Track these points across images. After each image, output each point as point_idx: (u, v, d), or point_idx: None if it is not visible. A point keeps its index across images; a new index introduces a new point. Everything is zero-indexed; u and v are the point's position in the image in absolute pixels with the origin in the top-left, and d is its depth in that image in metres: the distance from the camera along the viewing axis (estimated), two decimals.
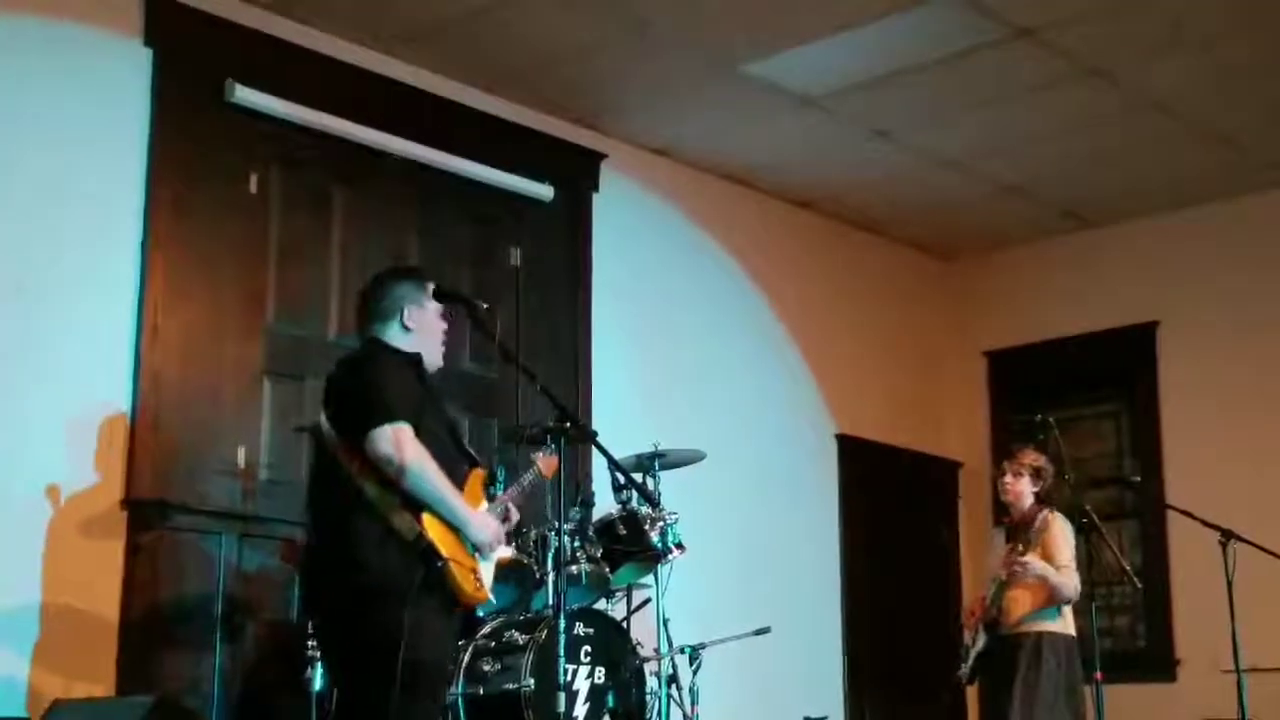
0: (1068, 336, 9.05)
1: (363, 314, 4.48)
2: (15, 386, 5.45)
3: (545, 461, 5.38)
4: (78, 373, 5.64)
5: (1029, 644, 5.86)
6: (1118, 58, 6.88)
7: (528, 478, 5.36)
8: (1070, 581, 5.86)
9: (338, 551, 4.15)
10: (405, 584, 3.99)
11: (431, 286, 4.46)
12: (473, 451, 4.52)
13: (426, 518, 4.07)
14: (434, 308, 4.43)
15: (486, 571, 4.30)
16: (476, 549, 4.24)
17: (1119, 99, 7.27)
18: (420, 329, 4.38)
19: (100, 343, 5.74)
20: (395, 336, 4.36)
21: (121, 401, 5.76)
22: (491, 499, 4.80)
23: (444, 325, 4.47)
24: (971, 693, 6.48)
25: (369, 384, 4.19)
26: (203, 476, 5.92)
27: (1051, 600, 5.90)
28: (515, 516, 4.77)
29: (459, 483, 4.26)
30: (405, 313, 4.37)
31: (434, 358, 4.43)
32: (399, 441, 4.05)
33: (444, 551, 4.05)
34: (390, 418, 4.07)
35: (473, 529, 4.21)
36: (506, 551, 4.66)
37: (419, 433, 4.10)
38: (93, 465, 5.65)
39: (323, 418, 4.28)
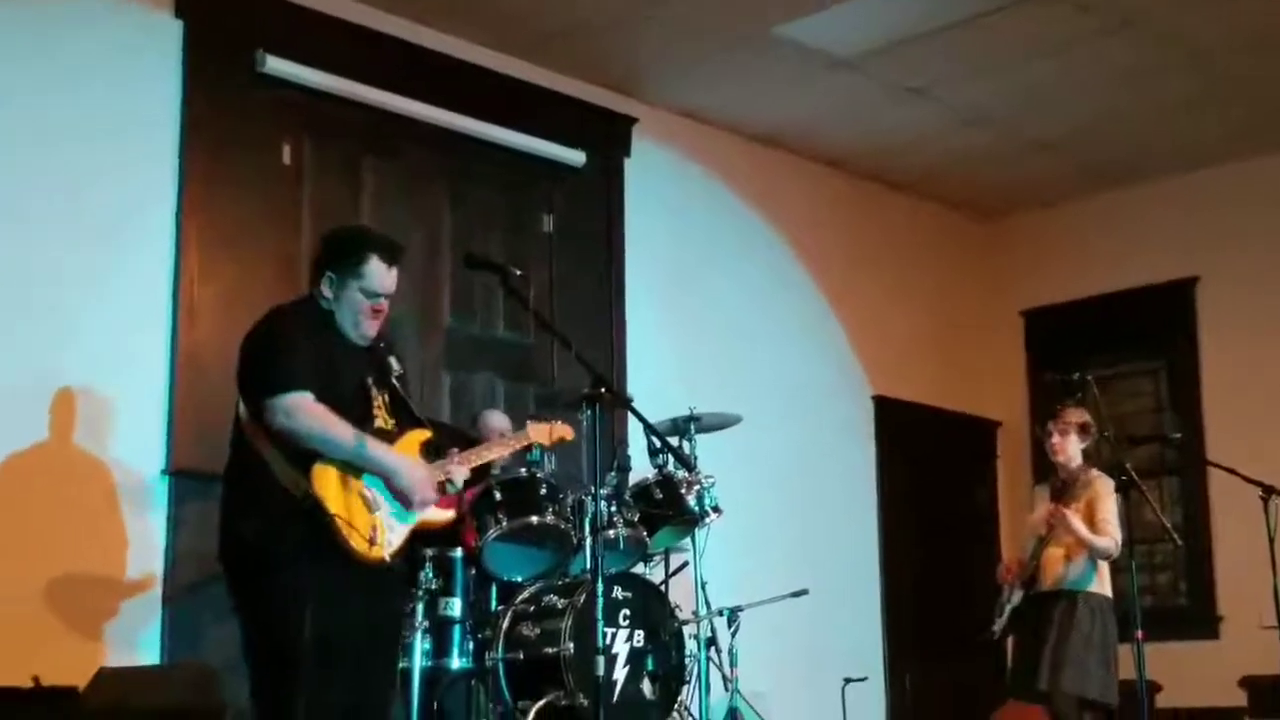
0: (1106, 294, 8.98)
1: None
2: (54, 360, 5.50)
3: (536, 428, 5.25)
4: (116, 344, 5.68)
5: (1064, 602, 5.84)
6: (1152, 11, 6.79)
7: (503, 444, 5.20)
8: (1108, 539, 5.82)
9: (222, 513, 4.12)
10: (284, 548, 3.88)
11: (373, 260, 4.19)
12: (416, 412, 4.37)
13: (319, 472, 3.97)
14: (360, 286, 4.17)
15: (396, 529, 4.15)
16: (400, 500, 4.14)
17: (1155, 53, 7.19)
18: (340, 302, 4.20)
19: (137, 314, 5.78)
20: (320, 297, 4.23)
21: (159, 372, 5.81)
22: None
23: (365, 308, 4.20)
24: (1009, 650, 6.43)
25: (266, 348, 4.09)
26: None
27: (1090, 558, 5.87)
28: (460, 475, 4.48)
29: None
30: (323, 282, 4.21)
31: (350, 330, 4.22)
32: (295, 410, 3.96)
33: (332, 508, 3.95)
34: (285, 387, 3.98)
35: (401, 476, 4.12)
36: (442, 515, 4.43)
37: (320, 398, 4.01)
38: (134, 436, 5.70)
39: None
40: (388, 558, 4.11)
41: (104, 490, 5.61)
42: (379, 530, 4.07)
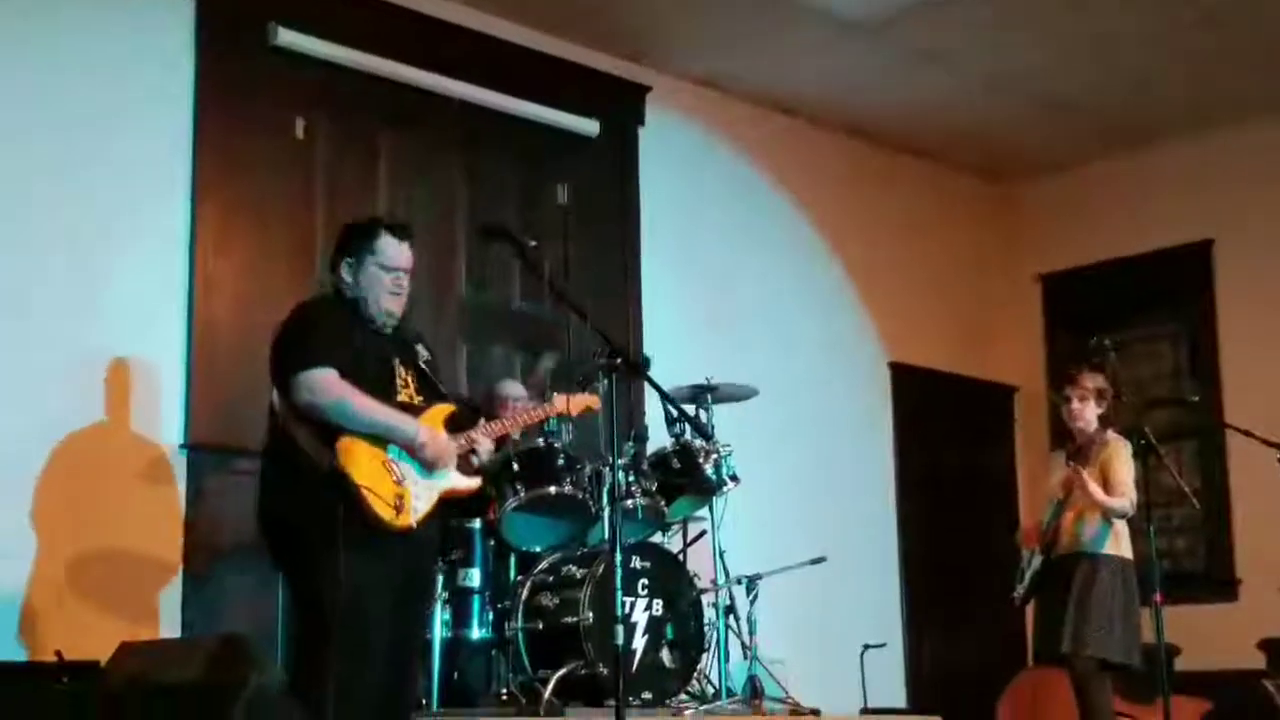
0: (1123, 257, 8.94)
1: None
2: (73, 335, 5.52)
3: (562, 398, 5.20)
4: (133, 320, 5.71)
5: (1083, 565, 5.83)
6: None
7: (528, 413, 5.18)
8: (1122, 499, 5.81)
9: (259, 489, 4.25)
10: (315, 522, 3.98)
11: (384, 236, 4.33)
12: (443, 391, 4.44)
13: (344, 444, 4.07)
14: (376, 262, 4.30)
15: (423, 497, 4.22)
16: (424, 467, 4.22)
17: (1171, 15, 7.13)
18: (360, 284, 4.31)
19: (154, 290, 5.80)
20: (343, 285, 4.36)
21: (177, 347, 5.83)
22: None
23: (386, 282, 4.31)
24: (1030, 615, 6.44)
25: (291, 332, 4.24)
26: (260, 420, 5.96)
27: (1105, 520, 5.86)
28: (486, 445, 4.55)
29: None
30: (342, 268, 4.34)
31: (375, 309, 4.32)
32: (318, 386, 4.08)
33: (358, 478, 4.05)
34: (308, 364, 4.10)
35: (422, 445, 4.20)
36: (469, 483, 4.45)
37: (344, 376, 4.11)
38: (153, 411, 5.72)
39: None
40: (415, 524, 4.19)
41: (123, 465, 5.64)
42: (405, 499, 4.16)
